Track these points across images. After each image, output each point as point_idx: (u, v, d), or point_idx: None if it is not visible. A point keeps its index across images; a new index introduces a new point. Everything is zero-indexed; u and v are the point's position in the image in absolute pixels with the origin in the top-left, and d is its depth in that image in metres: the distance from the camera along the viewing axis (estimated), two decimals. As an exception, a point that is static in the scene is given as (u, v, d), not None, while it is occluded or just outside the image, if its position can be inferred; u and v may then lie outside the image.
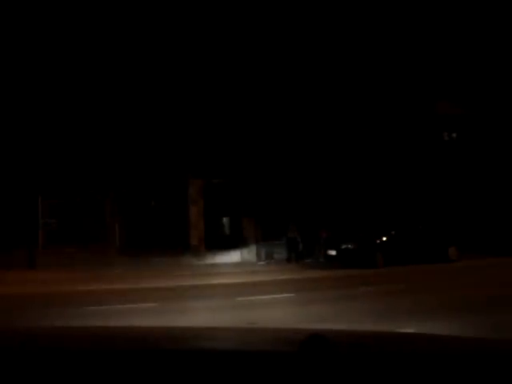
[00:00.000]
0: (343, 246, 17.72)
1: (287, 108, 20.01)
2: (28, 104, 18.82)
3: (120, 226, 19.37)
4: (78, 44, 18.75)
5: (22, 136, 18.76)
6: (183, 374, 1.47)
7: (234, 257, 20.50)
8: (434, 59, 21.50)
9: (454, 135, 23.88)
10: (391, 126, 21.36)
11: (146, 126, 19.12)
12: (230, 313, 9.15)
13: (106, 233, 19.17)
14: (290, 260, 19.40)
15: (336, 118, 20.43)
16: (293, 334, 2.21)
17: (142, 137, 19.00)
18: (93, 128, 18.76)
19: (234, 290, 12.56)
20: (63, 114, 18.83)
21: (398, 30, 20.89)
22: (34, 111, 18.84)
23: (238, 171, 20.24)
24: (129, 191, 19.14)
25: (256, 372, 1.48)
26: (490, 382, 1.44)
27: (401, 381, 1.44)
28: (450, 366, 1.54)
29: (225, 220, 21.98)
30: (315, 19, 20.21)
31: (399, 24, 20.88)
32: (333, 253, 17.97)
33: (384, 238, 17.91)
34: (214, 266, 19.23)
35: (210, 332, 2.45)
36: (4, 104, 18.71)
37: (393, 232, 18.16)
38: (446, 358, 1.64)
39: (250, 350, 1.77)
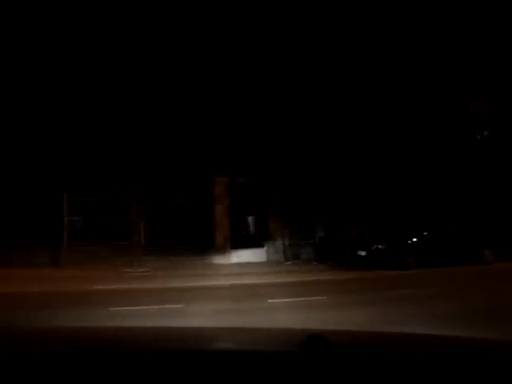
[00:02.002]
0: (373, 247, 17.23)
1: (316, 104, 19.56)
2: (53, 102, 18.73)
3: (145, 224, 19.13)
4: (96, 42, 18.58)
5: (47, 134, 18.68)
6: (184, 374, 1.47)
7: (260, 256, 20.14)
8: (465, 57, 20.86)
9: (486, 133, 23.17)
10: (423, 125, 20.74)
11: (171, 124, 18.87)
12: (261, 316, 8.74)
13: (130, 231, 18.95)
14: (321, 260, 18.94)
15: (369, 114, 19.92)
16: (293, 334, 2.21)
17: (168, 135, 18.75)
18: (119, 126, 18.58)
19: (263, 291, 12.16)
20: (89, 112, 18.68)
21: (430, 28, 20.29)
22: (59, 109, 18.75)
23: (265, 169, 19.85)
24: (154, 189, 18.88)
25: (256, 372, 1.47)
26: (491, 382, 1.44)
27: (401, 381, 1.45)
28: (450, 366, 1.53)
29: (250, 219, 21.61)
30: (340, 14, 19.76)
31: (431, 21, 20.28)
32: (362, 253, 17.49)
33: (415, 239, 17.39)
34: (239, 265, 18.89)
35: (211, 332, 2.46)
36: (29, 102, 18.66)
37: (425, 233, 17.60)
38: (446, 358, 1.63)
39: (250, 350, 1.77)
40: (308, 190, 20.17)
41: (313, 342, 1.63)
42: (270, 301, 10.40)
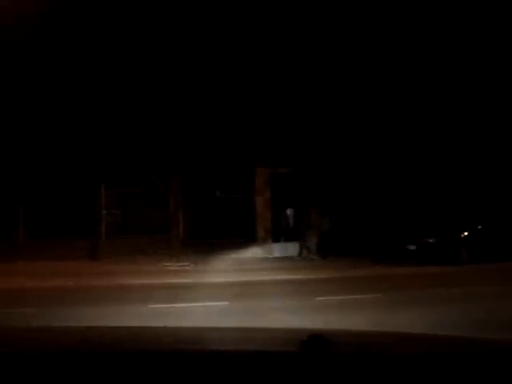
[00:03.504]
0: (423, 241, 16.33)
1: (364, 93, 18.70)
2: (91, 92, 18.47)
3: (184, 216, 18.61)
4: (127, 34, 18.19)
5: (85, 125, 18.45)
6: (184, 374, 1.47)
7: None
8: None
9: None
10: (475, 116, 19.58)
11: (212, 114, 18.31)
12: (312, 315, 8.02)
13: (169, 224, 18.47)
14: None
15: (418, 107, 18.95)
16: (293, 334, 2.19)
17: (208, 124, 18.19)
18: (158, 116, 18.14)
19: (311, 287, 11.46)
20: (128, 102, 18.30)
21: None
22: (97, 99, 18.47)
23: (307, 160, 19.08)
24: (193, 181, 18.30)
25: (257, 372, 1.47)
26: (491, 382, 1.44)
27: (402, 381, 1.45)
28: (450, 366, 1.53)
29: (289, 211, 20.83)
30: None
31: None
32: (412, 247, 16.59)
33: (468, 232, 16.45)
34: (282, 259, 18.24)
35: (211, 332, 2.43)
36: (65, 93, 18.44)
37: (479, 226, 16.62)
38: (447, 359, 1.63)
39: (250, 350, 1.77)
40: (353, 182, 19.33)
41: (313, 342, 1.59)
42: (318, 298, 9.66)
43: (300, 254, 18.58)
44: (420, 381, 1.45)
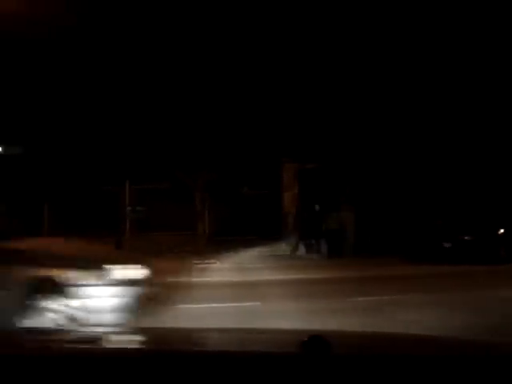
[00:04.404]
0: (460, 238, 15.65)
1: (399, 87, 18.07)
2: (114, 88, 18.23)
3: (210, 213, 18.20)
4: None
5: (111, 120, 18.23)
6: (184, 375, 1.46)
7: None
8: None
9: None
10: (508, 113, 18.78)
11: (238, 108, 17.87)
12: (355, 317, 7.48)
13: (195, 220, 18.08)
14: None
15: (455, 102, 18.27)
16: (293, 335, 2.19)
17: (235, 119, 17.74)
18: (184, 110, 17.77)
19: (345, 286, 10.86)
20: (153, 96, 18.01)
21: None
22: (121, 95, 18.22)
23: (336, 154, 18.51)
24: (219, 176, 17.88)
25: (257, 373, 1.48)
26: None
27: (402, 382, 1.46)
28: (450, 368, 1.53)
29: (317, 207, 20.25)
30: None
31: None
32: (448, 245, 15.90)
33: (503, 230, 15.76)
34: (309, 257, 17.71)
35: (211, 333, 2.44)
36: (92, 90, 18.26)
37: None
38: (446, 360, 1.62)
39: (250, 351, 1.75)
40: (383, 177, 18.69)
41: (313, 343, 1.57)
42: (359, 299, 9.08)
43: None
44: (420, 382, 1.46)
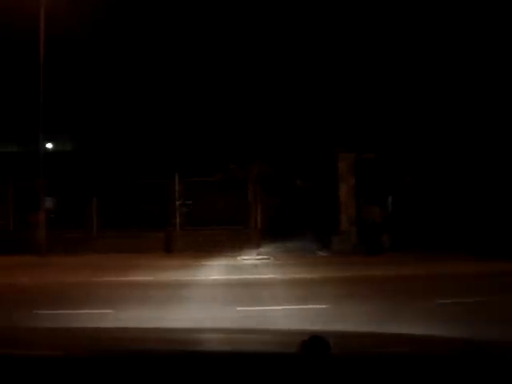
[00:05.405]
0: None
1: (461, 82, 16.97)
2: (166, 81, 17.85)
3: (262, 206, 17.43)
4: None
5: (160, 113, 17.92)
6: (184, 376, 1.45)
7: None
8: None
9: None
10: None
11: (291, 96, 17.15)
12: (443, 323, 6.50)
13: (247, 214, 17.35)
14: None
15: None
16: (293, 336, 2.16)
17: (287, 108, 17.01)
18: (236, 102, 17.21)
19: (418, 285, 9.85)
20: (205, 88, 17.53)
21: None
22: (171, 88, 17.88)
23: (395, 143, 17.43)
24: (272, 168, 17.08)
25: (257, 373, 1.46)
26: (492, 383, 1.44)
27: (402, 382, 1.45)
28: (450, 367, 1.51)
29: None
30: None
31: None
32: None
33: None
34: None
35: (211, 333, 2.41)
36: (141, 83, 17.92)
37: None
38: (446, 360, 1.62)
39: (250, 352, 1.74)
40: (445, 167, 17.49)
41: (313, 344, 1.56)
42: (440, 301, 8.04)
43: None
44: (420, 382, 1.44)
